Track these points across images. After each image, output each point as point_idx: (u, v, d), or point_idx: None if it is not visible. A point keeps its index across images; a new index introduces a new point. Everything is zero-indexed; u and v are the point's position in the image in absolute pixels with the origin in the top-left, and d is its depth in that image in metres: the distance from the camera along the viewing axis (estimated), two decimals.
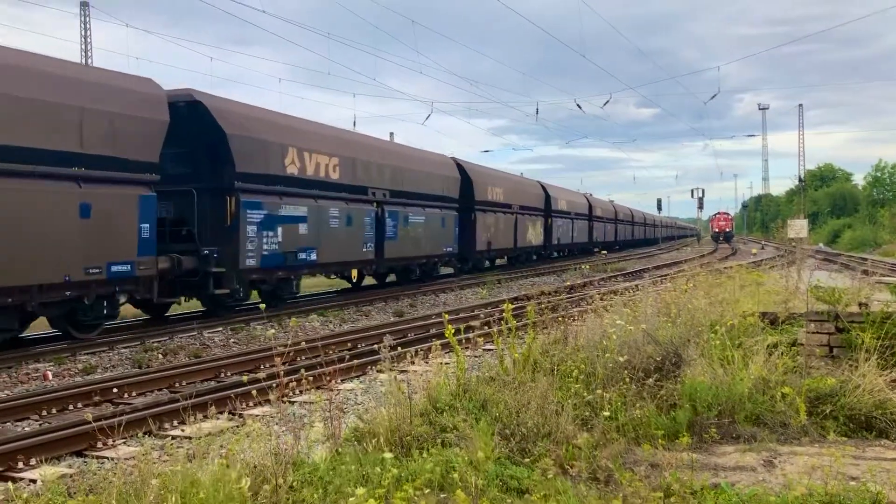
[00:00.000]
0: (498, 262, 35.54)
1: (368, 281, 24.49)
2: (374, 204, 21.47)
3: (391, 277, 25.39)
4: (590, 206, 53.03)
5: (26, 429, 7.90)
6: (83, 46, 41.42)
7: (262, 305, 9.31)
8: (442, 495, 4.50)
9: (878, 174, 72.91)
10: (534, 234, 38.10)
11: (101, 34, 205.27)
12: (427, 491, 4.46)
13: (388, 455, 4.86)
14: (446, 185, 26.93)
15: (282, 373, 5.45)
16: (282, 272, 17.44)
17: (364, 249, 20.83)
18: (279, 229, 16.94)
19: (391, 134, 29.92)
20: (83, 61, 37.95)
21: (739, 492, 4.55)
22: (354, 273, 22.15)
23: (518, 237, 34.98)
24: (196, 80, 40.22)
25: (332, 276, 21.80)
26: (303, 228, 17.79)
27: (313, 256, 18.20)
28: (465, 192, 28.40)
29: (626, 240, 68.23)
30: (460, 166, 29.11)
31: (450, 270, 29.12)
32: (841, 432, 5.99)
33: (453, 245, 27.33)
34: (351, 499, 4.17)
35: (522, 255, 37.67)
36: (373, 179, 21.47)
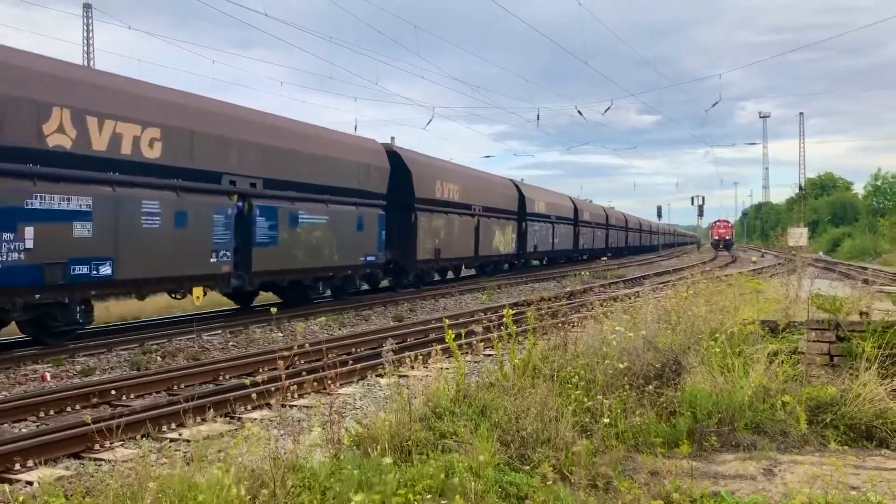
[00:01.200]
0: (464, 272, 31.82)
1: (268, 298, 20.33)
2: (235, 197, 15.71)
3: (268, 296, 20.25)
4: (575, 210, 48.12)
5: (24, 430, 7.88)
6: (85, 48, 41.49)
7: (274, 310, 9.15)
8: (441, 501, 4.48)
9: (878, 183, 73.03)
10: (503, 240, 32.66)
11: (104, 36, 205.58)
12: (427, 497, 4.44)
13: (387, 460, 4.84)
14: (367, 177, 21.02)
15: (283, 376, 5.44)
16: (41, 293, 11.69)
17: (213, 260, 14.91)
18: (28, 230, 11.29)
19: (392, 138, 29.03)
20: (85, 63, 37.99)
21: (739, 500, 4.53)
22: (199, 292, 15.06)
23: (480, 244, 29.40)
24: (198, 84, 40.28)
25: (151, 296, 15.44)
26: (82, 229, 12.10)
27: (106, 270, 12.52)
28: (402, 187, 22.92)
29: (619, 247, 63.79)
30: (395, 154, 23.18)
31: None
32: (841, 441, 5.97)
33: (378, 253, 21.54)
34: (351, 503, 4.15)
35: (488, 265, 32.56)
36: (230, 163, 15.54)
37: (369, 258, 21.04)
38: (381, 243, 21.67)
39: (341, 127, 24.94)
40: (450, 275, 29.98)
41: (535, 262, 41.99)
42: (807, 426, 6.02)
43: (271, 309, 9.10)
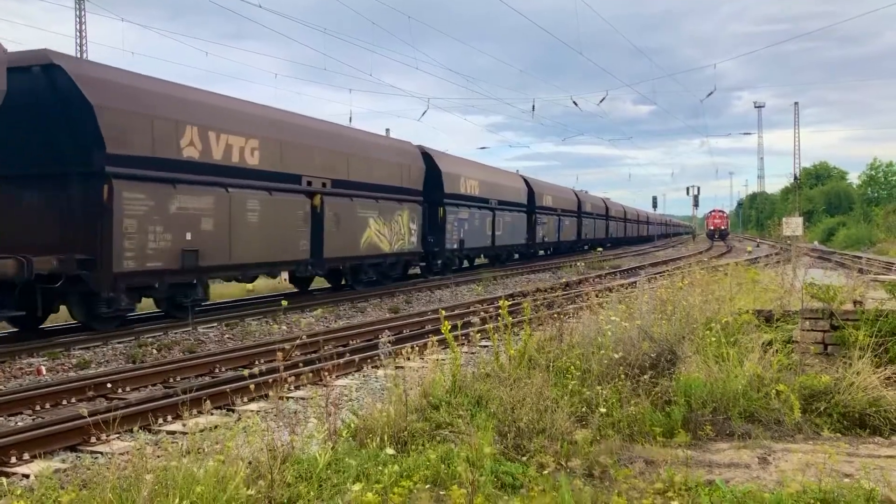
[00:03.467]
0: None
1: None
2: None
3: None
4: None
5: (20, 423, 7.88)
6: (78, 41, 41.26)
7: (284, 302, 9.27)
8: (439, 492, 4.50)
9: (873, 173, 73.14)
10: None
11: (97, 28, 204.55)
12: (425, 486, 4.46)
13: (389, 451, 4.86)
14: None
15: (282, 368, 5.45)
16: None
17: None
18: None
19: (387, 130, 29.60)
20: (78, 55, 37.79)
21: (734, 489, 4.55)
22: (285, 275, 21.22)
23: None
24: (191, 76, 40.17)
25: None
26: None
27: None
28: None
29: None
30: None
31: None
32: (835, 429, 6.00)
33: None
34: (349, 494, 4.16)
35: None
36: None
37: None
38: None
39: (336, 118, 25.28)
40: (465, 263, 32.66)
41: (542, 252, 43.72)
42: (801, 415, 6.04)
43: (283, 301, 9.17)
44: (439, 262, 27.26)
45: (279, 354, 5.38)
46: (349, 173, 20.70)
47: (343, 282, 21.96)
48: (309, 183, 18.75)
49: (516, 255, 38.03)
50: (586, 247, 51.39)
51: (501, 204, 33.41)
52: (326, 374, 6.61)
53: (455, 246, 27.94)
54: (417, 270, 27.61)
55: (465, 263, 32.44)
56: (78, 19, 41.03)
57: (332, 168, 19.87)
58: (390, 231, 22.94)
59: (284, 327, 14.99)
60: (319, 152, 19.33)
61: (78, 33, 41.10)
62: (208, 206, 15.06)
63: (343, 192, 20.31)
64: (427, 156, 26.38)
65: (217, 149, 15.47)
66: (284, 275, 21.23)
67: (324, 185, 19.39)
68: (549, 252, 44.90)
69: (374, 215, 21.84)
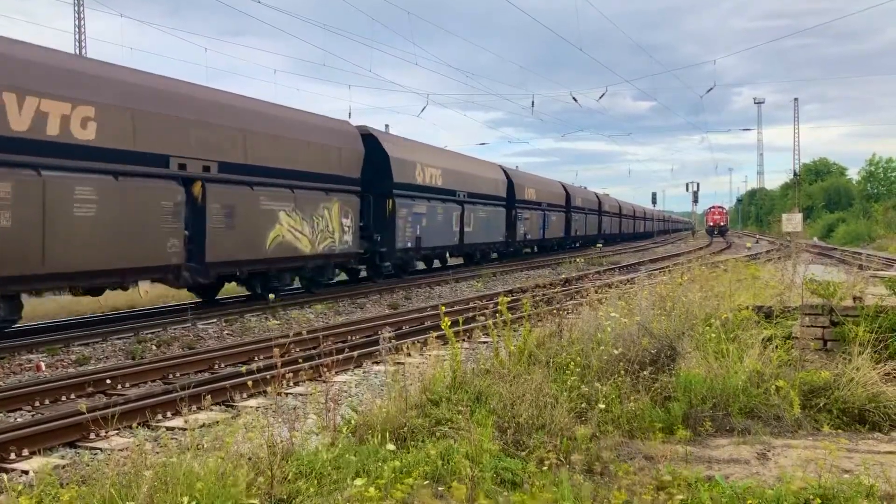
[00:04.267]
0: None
1: None
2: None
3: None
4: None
5: (19, 420, 7.87)
6: (77, 37, 41.19)
7: (272, 296, 9.09)
8: (438, 487, 4.50)
9: (872, 168, 73.14)
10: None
11: (96, 24, 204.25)
12: (425, 482, 4.46)
13: (390, 447, 4.85)
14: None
15: (279, 364, 5.44)
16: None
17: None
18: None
19: (386, 125, 28.95)
20: (77, 52, 37.73)
21: (733, 484, 4.55)
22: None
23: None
24: (191, 72, 40.12)
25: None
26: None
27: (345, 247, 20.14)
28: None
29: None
30: (370, 137, 21.83)
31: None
32: (835, 425, 6.01)
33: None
34: (350, 489, 4.16)
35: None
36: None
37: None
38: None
39: (336, 114, 24.95)
40: (436, 263, 29.13)
41: (527, 251, 40.51)
42: (800, 410, 6.05)
43: (269, 295, 9.12)
44: (387, 263, 22.89)
45: (276, 351, 5.37)
46: (247, 155, 16.19)
47: (256, 290, 17.70)
48: (182, 166, 14.35)
49: (494, 255, 33.99)
50: (576, 244, 48.70)
51: (473, 196, 29.17)
52: (326, 370, 6.60)
53: (409, 244, 23.45)
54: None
55: (437, 263, 29.25)
56: (77, 15, 40.95)
57: (220, 148, 15.37)
58: (313, 228, 18.40)
59: (284, 323, 14.98)
60: (199, 127, 14.85)
61: (77, 29, 41.01)
62: (2, 194, 11.03)
63: (237, 178, 15.84)
64: (370, 137, 21.75)
65: (20, 117, 11.31)
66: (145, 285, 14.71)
67: (206, 168, 14.93)
68: (533, 250, 41.26)
69: (287, 208, 17.28)
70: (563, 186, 46.52)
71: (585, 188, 60.40)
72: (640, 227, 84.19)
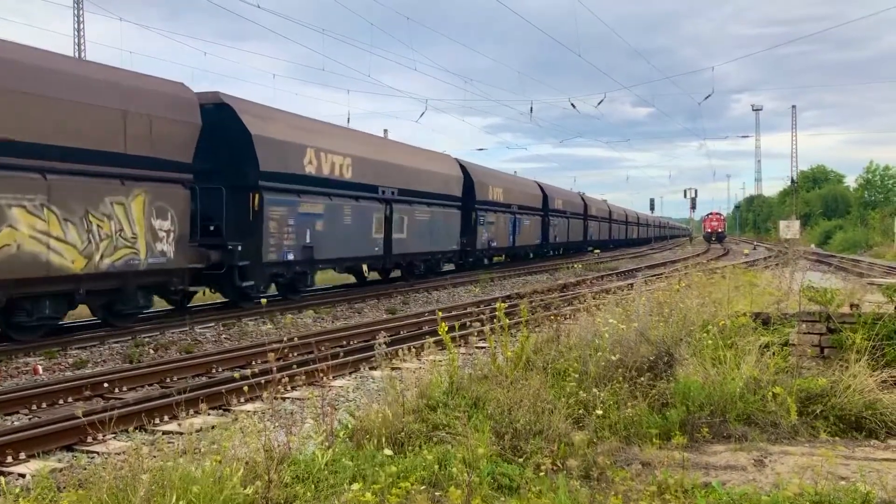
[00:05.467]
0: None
1: None
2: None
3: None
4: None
5: (16, 423, 7.86)
6: (76, 40, 41.20)
7: (264, 301, 8.99)
8: (435, 492, 4.50)
9: (870, 176, 73.27)
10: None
11: (95, 27, 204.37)
12: (421, 487, 4.46)
13: (387, 452, 4.86)
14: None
15: (275, 369, 5.44)
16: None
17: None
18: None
19: (385, 131, 28.82)
20: (76, 55, 37.73)
21: (730, 491, 4.56)
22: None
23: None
24: (190, 76, 40.05)
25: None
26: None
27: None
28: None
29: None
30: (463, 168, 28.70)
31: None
32: (831, 432, 6.02)
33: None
34: (346, 494, 4.16)
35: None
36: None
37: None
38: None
39: (334, 119, 24.84)
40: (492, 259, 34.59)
41: (552, 252, 43.08)
42: (797, 417, 6.05)
43: (262, 300, 9.06)
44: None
45: (271, 356, 5.37)
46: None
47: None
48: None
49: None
50: (557, 252, 47.91)
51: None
52: (323, 374, 6.60)
53: (291, 256, 18.97)
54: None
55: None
56: (76, 18, 40.98)
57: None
58: (90, 234, 12.64)
59: (281, 328, 14.98)
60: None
61: (76, 32, 41.04)
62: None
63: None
64: (224, 107, 16.63)
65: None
66: None
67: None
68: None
69: (30, 204, 11.36)
70: (540, 186, 41.91)
71: (582, 193, 59.66)
72: (640, 233, 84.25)
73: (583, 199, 49.85)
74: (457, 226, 28.16)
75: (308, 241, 18.18)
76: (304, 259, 18.28)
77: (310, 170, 18.38)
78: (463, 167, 29.62)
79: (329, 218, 19.09)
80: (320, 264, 19.49)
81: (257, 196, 16.52)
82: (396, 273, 25.48)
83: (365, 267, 23.14)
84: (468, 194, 29.18)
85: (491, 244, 32.03)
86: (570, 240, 47.34)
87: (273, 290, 18.65)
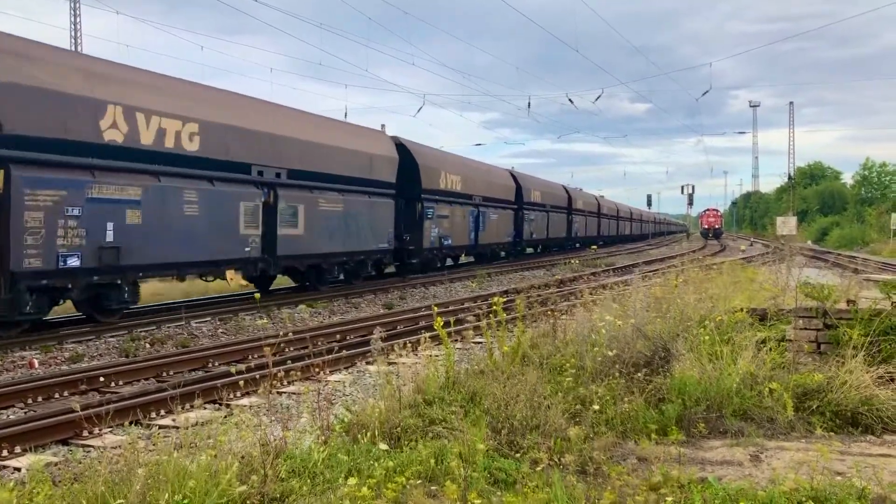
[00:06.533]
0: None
1: None
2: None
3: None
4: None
5: (11, 417, 7.85)
6: (73, 33, 41.07)
7: (257, 296, 8.95)
8: (431, 487, 4.49)
9: (866, 173, 73.38)
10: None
11: (92, 21, 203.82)
12: (417, 482, 4.45)
13: (383, 446, 4.85)
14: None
15: (271, 363, 5.43)
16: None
17: None
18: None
19: (382, 125, 28.33)
20: (73, 48, 37.61)
21: (727, 486, 4.56)
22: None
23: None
24: (187, 70, 39.93)
25: None
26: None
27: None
28: None
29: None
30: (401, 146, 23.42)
31: None
32: (827, 428, 6.02)
33: None
34: (343, 489, 4.16)
35: (487, 252, 32.18)
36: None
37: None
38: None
39: (332, 113, 24.36)
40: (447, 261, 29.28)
41: (530, 250, 41.08)
42: (793, 413, 6.06)
43: (255, 295, 9.03)
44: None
45: (267, 350, 5.35)
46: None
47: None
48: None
49: (503, 254, 34.79)
50: (577, 245, 48.93)
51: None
52: (319, 369, 6.60)
53: (434, 244, 23.60)
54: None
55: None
56: (73, 12, 40.85)
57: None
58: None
59: (278, 322, 14.96)
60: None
61: (73, 26, 40.91)
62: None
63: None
64: (401, 147, 22.27)
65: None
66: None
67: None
68: (537, 250, 42.27)
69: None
70: (513, 176, 38.84)
71: (581, 189, 60.59)
72: (636, 229, 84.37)
73: (567, 191, 46.05)
74: (389, 219, 22.70)
75: (109, 239, 12.88)
76: (439, 247, 16.87)
77: (112, 136, 12.98)
78: (403, 147, 24.12)
79: (152, 207, 13.66)
80: (140, 272, 13.81)
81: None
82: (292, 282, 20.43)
83: (230, 272, 16.41)
84: (412, 181, 23.98)
85: (444, 242, 26.45)
86: (550, 236, 42.54)
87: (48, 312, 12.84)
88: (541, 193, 39.21)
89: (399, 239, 23.26)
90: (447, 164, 27.59)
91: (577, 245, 49.29)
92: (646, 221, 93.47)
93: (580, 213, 49.74)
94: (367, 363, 10.27)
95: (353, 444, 5.21)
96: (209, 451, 4.50)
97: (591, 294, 10.65)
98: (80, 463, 5.44)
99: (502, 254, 35.77)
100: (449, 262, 29.54)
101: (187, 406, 7.41)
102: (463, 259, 32.14)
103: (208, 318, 14.82)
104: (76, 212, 12.26)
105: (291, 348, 10.59)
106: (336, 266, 20.23)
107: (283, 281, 20.33)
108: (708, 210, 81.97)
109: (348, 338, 12.36)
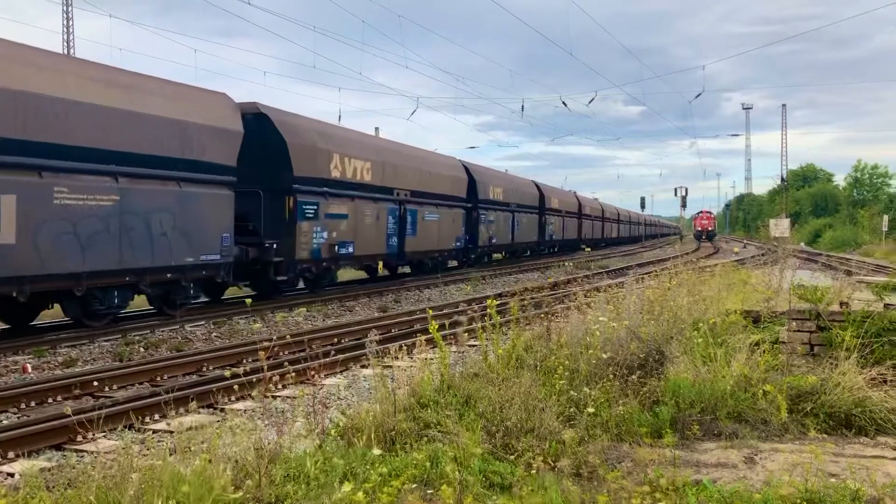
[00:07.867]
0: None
1: None
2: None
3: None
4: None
5: (4, 422, 7.81)
6: (65, 36, 40.95)
7: (249, 301, 8.99)
8: (427, 490, 4.49)
9: (858, 175, 73.73)
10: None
11: (84, 24, 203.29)
12: (412, 486, 4.45)
13: (376, 451, 4.84)
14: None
15: (265, 367, 5.42)
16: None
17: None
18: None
19: (376, 129, 28.72)
20: (65, 52, 37.51)
21: (721, 488, 4.57)
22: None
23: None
24: (180, 73, 39.90)
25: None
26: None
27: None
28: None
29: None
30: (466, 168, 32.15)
31: None
32: (821, 429, 6.04)
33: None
34: (337, 494, 4.15)
35: (519, 250, 38.30)
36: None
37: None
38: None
39: (324, 117, 24.94)
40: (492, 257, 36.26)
41: (547, 250, 43.94)
42: (787, 415, 6.08)
43: (246, 300, 8.99)
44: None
45: (261, 354, 5.35)
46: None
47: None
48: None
49: (528, 252, 40.22)
50: (553, 249, 47.43)
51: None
52: (314, 373, 6.59)
53: (486, 243, 30.49)
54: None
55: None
56: (65, 15, 40.74)
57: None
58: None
59: (272, 326, 14.94)
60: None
61: (65, 29, 40.79)
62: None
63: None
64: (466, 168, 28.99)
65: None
66: None
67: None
68: (555, 249, 45.92)
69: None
70: (537, 186, 41.74)
71: (575, 192, 60.33)
72: (627, 231, 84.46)
73: (577, 198, 50.32)
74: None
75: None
76: (489, 245, 29.60)
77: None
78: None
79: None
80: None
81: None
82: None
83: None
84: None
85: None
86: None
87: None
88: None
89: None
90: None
91: (554, 249, 46.26)
92: (638, 224, 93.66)
93: (588, 218, 49.99)
94: (363, 366, 10.27)
95: (348, 448, 5.20)
96: (203, 455, 4.48)
97: (585, 297, 10.65)
98: (74, 468, 5.42)
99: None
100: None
101: (181, 410, 7.39)
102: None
103: (202, 322, 14.78)
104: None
105: (286, 352, 10.57)
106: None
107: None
108: (701, 212, 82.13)
109: (343, 341, 12.34)
